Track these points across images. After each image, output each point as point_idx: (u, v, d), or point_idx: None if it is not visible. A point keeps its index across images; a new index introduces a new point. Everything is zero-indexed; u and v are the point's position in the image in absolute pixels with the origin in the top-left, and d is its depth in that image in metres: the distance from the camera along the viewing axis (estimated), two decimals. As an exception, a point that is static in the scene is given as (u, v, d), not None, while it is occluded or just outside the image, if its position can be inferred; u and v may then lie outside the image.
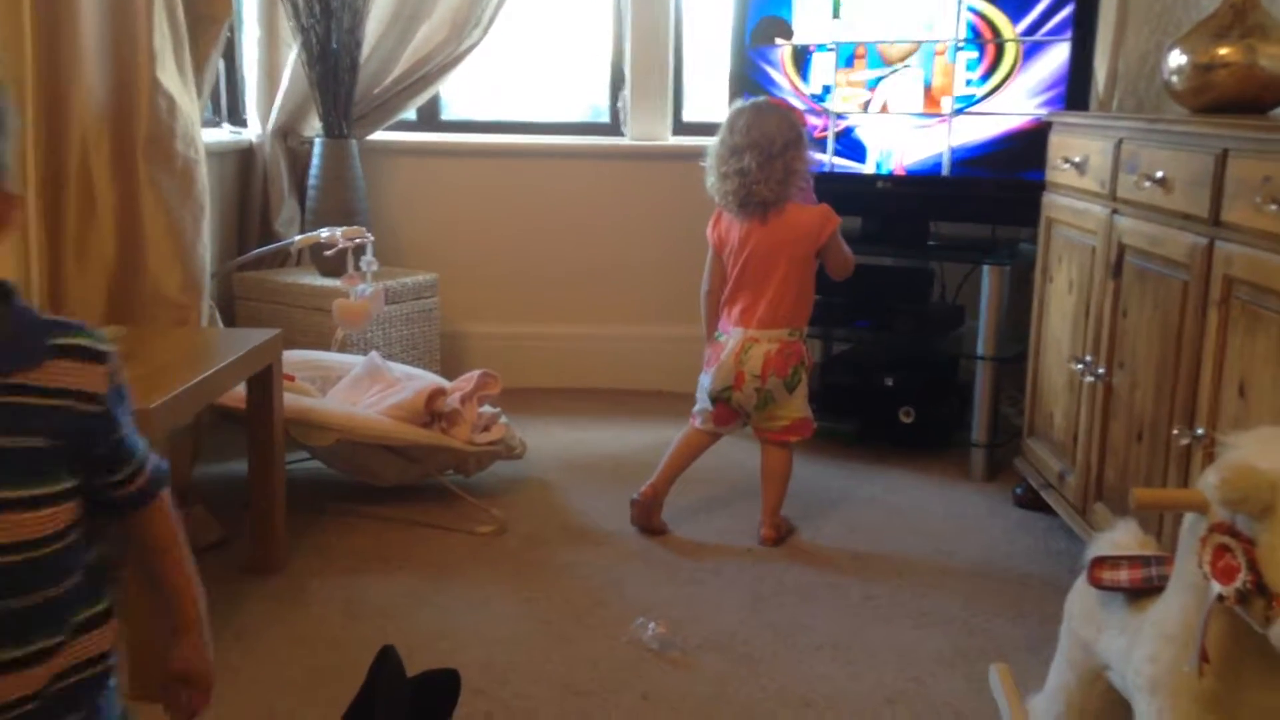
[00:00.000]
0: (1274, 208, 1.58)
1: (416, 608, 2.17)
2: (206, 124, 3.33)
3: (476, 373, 2.76)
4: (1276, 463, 1.21)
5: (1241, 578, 1.20)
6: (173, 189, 2.44)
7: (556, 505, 2.71)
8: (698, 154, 3.58)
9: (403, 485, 2.67)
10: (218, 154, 3.29)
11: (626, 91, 3.74)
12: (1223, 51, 2.21)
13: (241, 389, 2.25)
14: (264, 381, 2.24)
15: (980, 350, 2.90)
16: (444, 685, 1.62)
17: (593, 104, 3.90)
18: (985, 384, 2.91)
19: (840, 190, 3.12)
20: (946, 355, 3.19)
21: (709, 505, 2.72)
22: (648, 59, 3.69)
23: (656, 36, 3.67)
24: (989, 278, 2.87)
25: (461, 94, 3.93)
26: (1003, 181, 2.94)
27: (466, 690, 1.82)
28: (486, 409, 2.74)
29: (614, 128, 3.82)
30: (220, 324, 2.73)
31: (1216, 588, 1.23)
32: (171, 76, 2.47)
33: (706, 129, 3.67)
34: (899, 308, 3.10)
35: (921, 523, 2.63)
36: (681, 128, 3.78)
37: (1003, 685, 1.82)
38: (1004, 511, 2.71)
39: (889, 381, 3.07)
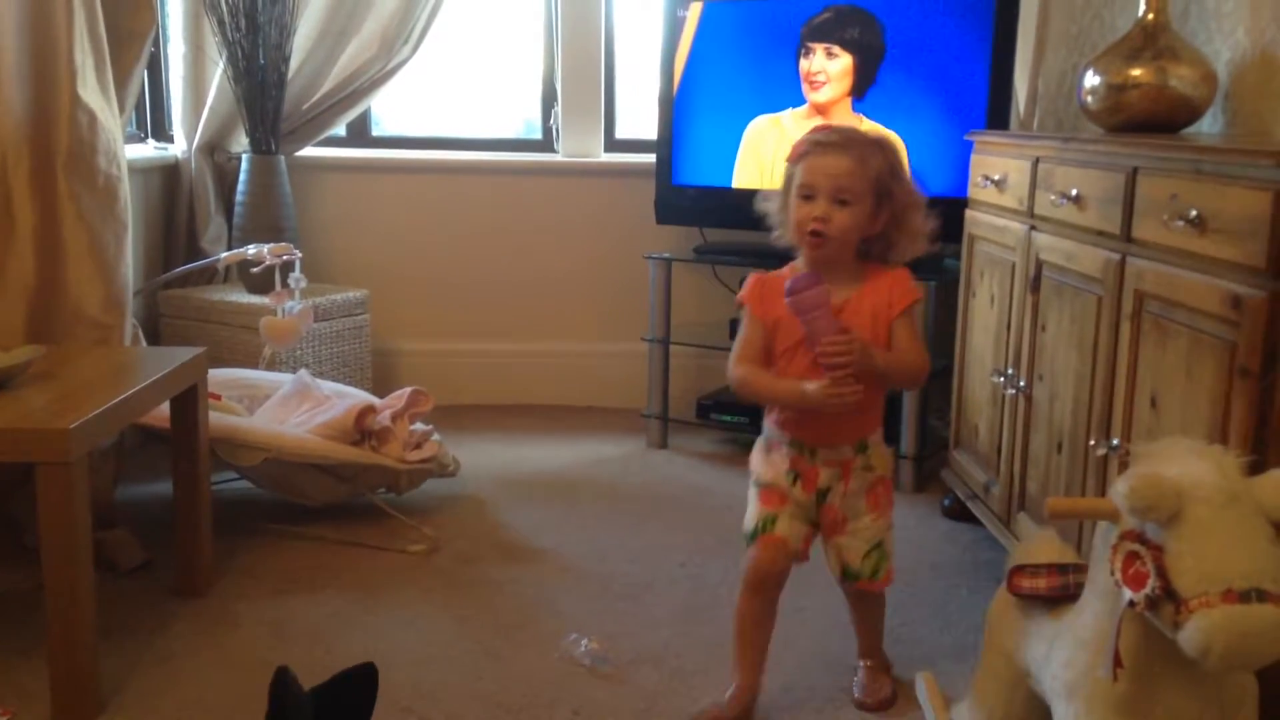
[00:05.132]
0: (1180, 224, 1.64)
1: (346, 628, 2.15)
2: (130, 140, 3.28)
3: (408, 390, 2.74)
4: (1183, 472, 1.26)
5: (1151, 584, 1.24)
6: (94, 206, 2.41)
7: (489, 522, 2.71)
8: (630, 170, 3.64)
9: (333, 504, 2.64)
10: (142, 170, 3.24)
11: (558, 108, 3.76)
12: (1135, 72, 2.28)
13: (166, 408, 2.21)
14: (188, 400, 2.21)
15: (907, 364, 2.95)
16: (361, 680, 1.61)
17: (525, 120, 3.90)
18: (913, 396, 2.96)
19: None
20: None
21: (640, 520, 2.73)
22: (580, 76, 3.71)
23: (588, 54, 3.69)
24: (915, 293, 2.92)
25: (393, 110, 3.92)
26: (928, 199, 2.99)
27: (396, 709, 1.82)
28: (418, 426, 2.73)
29: (546, 144, 3.83)
30: (144, 342, 2.69)
31: (1127, 594, 1.26)
32: (93, 92, 2.43)
33: (638, 145, 3.72)
34: (828, 322, 3.14)
35: (851, 534, 2.66)
36: (614, 144, 3.80)
37: (929, 693, 1.86)
38: (932, 522, 2.75)
39: (819, 395, 3.10)
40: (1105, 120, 2.37)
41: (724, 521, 2.68)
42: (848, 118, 3.07)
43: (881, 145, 1.79)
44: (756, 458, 1.90)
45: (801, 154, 1.79)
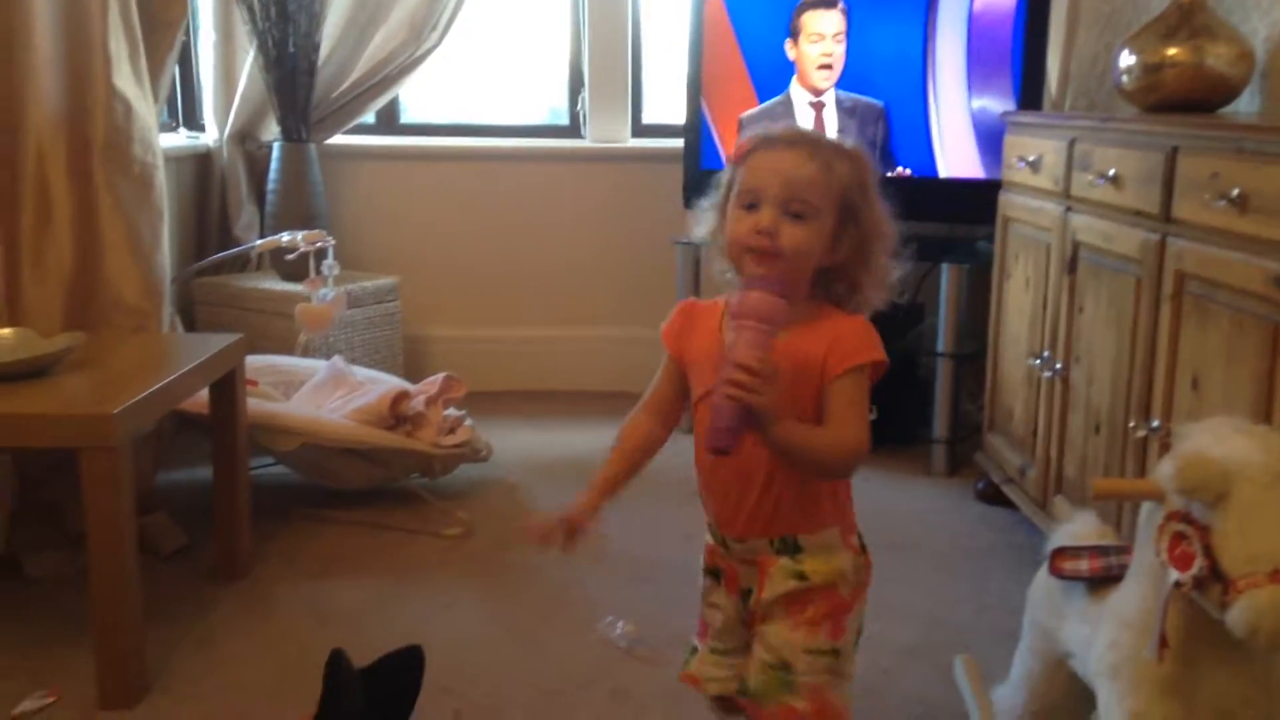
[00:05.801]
0: (1222, 203, 1.62)
1: (384, 611, 2.16)
2: (163, 129, 3.30)
3: (441, 376, 2.75)
4: (1229, 451, 1.25)
5: (1198, 564, 1.23)
6: (130, 194, 2.42)
7: (522, 507, 2.72)
8: (658, 155, 3.63)
9: (368, 489, 2.66)
10: (175, 159, 3.26)
11: (585, 93, 3.75)
12: (1171, 52, 2.26)
13: (204, 395, 2.23)
14: (227, 387, 2.23)
15: (940, 347, 2.94)
16: (408, 663, 1.62)
17: (552, 106, 3.90)
18: (945, 380, 2.94)
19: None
20: (907, 352, 3.22)
21: (671, 504, 2.72)
22: (606, 61, 3.70)
23: (615, 38, 3.69)
24: (948, 276, 2.91)
25: (420, 97, 3.92)
26: (959, 181, 2.98)
27: (435, 690, 1.83)
28: (451, 412, 2.74)
29: (573, 130, 3.83)
30: (181, 330, 2.71)
31: (1174, 574, 1.26)
32: (128, 81, 2.45)
33: (665, 130, 3.71)
34: (859, 306, 3.13)
35: (885, 518, 2.66)
36: (641, 129, 3.80)
37: (968, 676, 1.85)
38: (966, 506, 2.74)
39: (850, 379, 3.09)
40: (1141, 100, 2.35)
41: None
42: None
43: (852, 155, 1.35)
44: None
45: (746, 151, 1.35)
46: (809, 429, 1.29)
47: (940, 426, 2.96)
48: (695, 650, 1.48)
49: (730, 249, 1.35)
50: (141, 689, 1.84)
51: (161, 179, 2.50)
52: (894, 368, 3.25)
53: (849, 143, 1.38)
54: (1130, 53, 2.33)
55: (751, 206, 1.31)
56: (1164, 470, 1.27)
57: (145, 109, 2.49)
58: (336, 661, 1.48)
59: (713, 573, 1.46)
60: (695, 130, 3.30)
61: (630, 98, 3.75)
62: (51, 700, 1.83)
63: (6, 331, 2.07)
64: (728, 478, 1.38)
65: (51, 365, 1.98)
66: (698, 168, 3.32)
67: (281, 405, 2.64)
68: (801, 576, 1.36)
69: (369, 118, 3.70)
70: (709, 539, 1.47)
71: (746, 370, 1.21)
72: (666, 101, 3.76)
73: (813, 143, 1.34)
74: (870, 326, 1.35)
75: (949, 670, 1.93)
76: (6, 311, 2.28)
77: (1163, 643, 1.29)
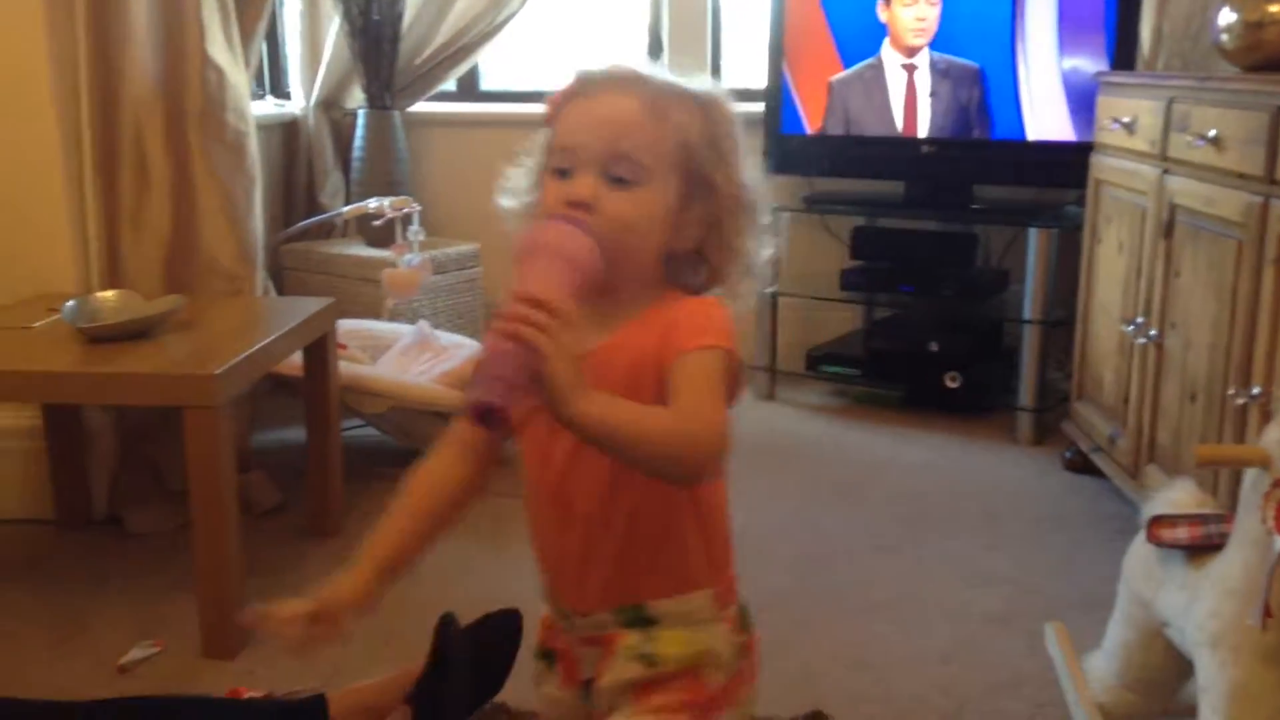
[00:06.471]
0: (1334, 164, 1.58)
1: (475, 569, 2.20)
2: (252, 97, 3.36)
3: (524, 340, 2.77)
4: (1341, 418, 1.22)
5: (1306, 532, 1.21)
6: (225, 161, 2.48)
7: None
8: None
9: (453, 452, 2.70)
10: (263, 127, 3.30)
11: (664, 58, 3.74)
12: (1273, 9, 2.19)
13: (297, 358, 2.28)
14: (319, 350, 2.28)
15: (1026, 314, 2.89)
16: (505, 627, 1.65)
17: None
18: (1032, 348, 2.90)
19: (882, 154, 3.12)
20: (991, 320, 3.18)
21: (751, 471, 2.73)
22: (685, 24, 3.68)
23: (694, 2, 3.66)
24: (1035, 241, 2.85)
25: (499, 64, 3.93)
26: (1048, 144, 2.92)
27: (525, 650, 1.86)
28: (534, 376, 2.76)
29: (653, 95, 3.81)
30: (274, 294, 2.77)
31: (1279, 542, 1.23)
32: (220, 49, 2.49)
33: (746, 95, 3.67)
34: (943, 272, 3.09)
35: (970, 486, 2.64)
36: (721, 94, 3.77)
37: (1059, 643, 1.84)
38: (1053, 474, 2.71)
39: (934, 346, 3.07)
40: (1241, 59, 2.28)
41: (835, 473, 2.68)
42: (965, 62, 3.00)
43: (702, 100, 1.03)
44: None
45: (563, 99, 1.05)
46: (635, 405, 0.93)
47: (1026, 394, 2.92)
48: None
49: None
50: (242, 640, 1.89)
51: (254, 146, 2.55)
52: (978, 335, 3.23)
53: (704, 85, 1.04)
54: (1230, 10, 2.26)
55: (564, 172, 1.01)
56: (1271, 436, 1.24)
57: (238, 77, 2.53)
58: (448, 625, 1.51)
59: (547, 656, 1.12)
60: (776, 95, 3.27)
61: (710, 61, 3.72)
62: (157, 650, 1.89)
63: (110, 294, 2.14)
64: (567, 525, 1.04)
65: (154, 326, 2.04)
66: (778, 133, 3.30)
67: (370, 369, 2.69)
68: (650, 660, 1.02)
69: (450, 84, 3.72)
70: (546, 611, 1.13)
71: (532, 301, 0.87)
72: (747, 65, 3.73)
73: (643, 84, 1.02)
74: (719, 307, 1.01)
75: (1038, 638, 1.92)
76: (107, 275, 2.35)
77: (1267, 611, 1.27)
